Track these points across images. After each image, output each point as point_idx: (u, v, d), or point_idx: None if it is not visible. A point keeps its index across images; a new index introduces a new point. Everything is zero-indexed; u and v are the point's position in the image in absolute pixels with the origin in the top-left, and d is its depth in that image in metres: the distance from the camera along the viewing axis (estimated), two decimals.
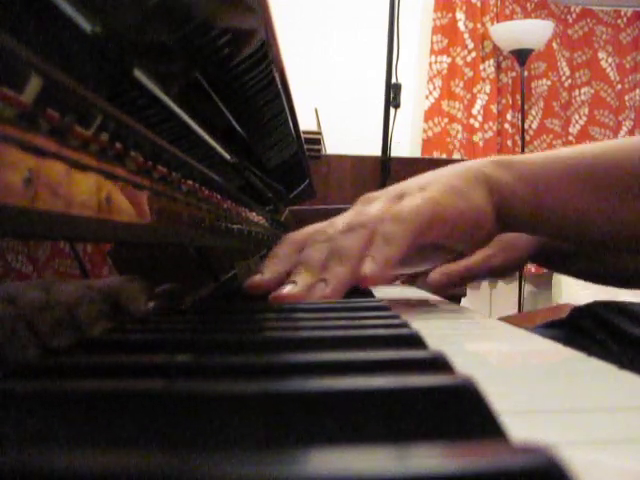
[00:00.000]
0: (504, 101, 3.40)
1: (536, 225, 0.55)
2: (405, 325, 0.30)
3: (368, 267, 0.44)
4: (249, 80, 0.53)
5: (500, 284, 3.22)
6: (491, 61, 3.36)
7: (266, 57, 0.50)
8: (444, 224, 0.49)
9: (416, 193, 0.50)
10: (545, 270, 2.76)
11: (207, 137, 0.53)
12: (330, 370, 0.20)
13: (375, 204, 0.50)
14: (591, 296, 0.80)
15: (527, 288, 3.26)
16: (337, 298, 0.44)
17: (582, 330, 0.70)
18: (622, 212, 0.51)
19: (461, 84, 3.30)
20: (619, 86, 3.53)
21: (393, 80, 2.05)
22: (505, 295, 3.16)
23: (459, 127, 3.28)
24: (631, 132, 3.53)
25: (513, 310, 2.98)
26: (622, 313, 0.67)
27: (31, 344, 0.24)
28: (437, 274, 0.72)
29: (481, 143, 3.30)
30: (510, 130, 3.38)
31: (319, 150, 2.10)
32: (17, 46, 0.23)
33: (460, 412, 0.15)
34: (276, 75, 0.55)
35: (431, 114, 3.27)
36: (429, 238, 0.50)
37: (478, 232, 0.53)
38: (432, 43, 3.30)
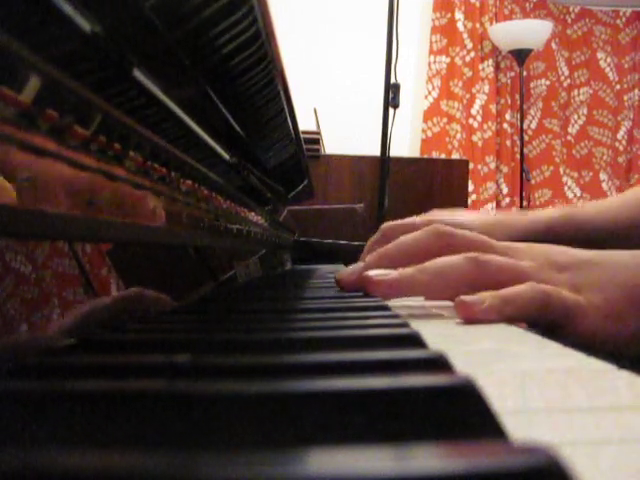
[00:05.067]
0: (503, 101, 3.40)
1: None
2: (405, 325, 0.30)
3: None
4: (248, 80, 0.53)
5: None
6: (490, 61, 3.37)
7: (265, 57, 0.50)
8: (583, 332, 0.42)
9: (568, 285, 0.43)
10: None
11: (206, 137, 0.53)
12: (330, 370, 0.20)
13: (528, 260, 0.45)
14: None
15: None
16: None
17: None
18: None
19: (460, 84, 3.30)
20: (618, 86, 3.53)
21: (392, 80, 2.06)
22: None
23: (458, 127, 3.28)
24: (630, 132, 3.53)
25: None
26: None
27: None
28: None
29: (480, 143, 3.31)
30: (509, 130, 3.39)
31: (318, 150, 2.11)
32: (17, 46, 0.23)
33: (460, 412, 0.15)
34: (275, 75, 0.55)
35: (430, 114, 3.27)
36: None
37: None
38: (431, 43, 3.30)
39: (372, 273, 0.46)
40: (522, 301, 0.41)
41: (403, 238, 0.50)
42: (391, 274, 0.45)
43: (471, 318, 0.39)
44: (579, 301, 0.42)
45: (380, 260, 0.49)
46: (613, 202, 0.70)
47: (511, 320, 0.40)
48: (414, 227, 0.54)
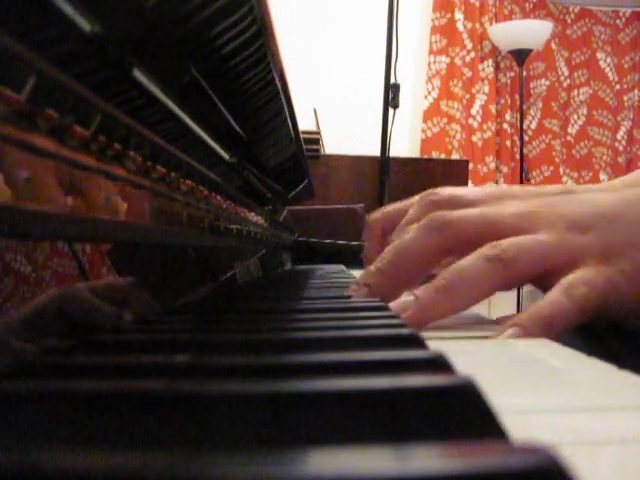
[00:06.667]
0: (503, 101, 3.40)
1: None
2: (405, 325, 0.30)
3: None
4: (248, 80, 0.53)
5: None
6: (490, 61, 3.37)
7: (265, 57, 0.50)
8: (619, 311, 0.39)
9: (594, 259, 0.38)
10: None
11: (206, 137, 0.53)
12: (330, 371, 0.20)
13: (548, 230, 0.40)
14: None
15: (526, 288, 3.26)
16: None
17: (579, 327, 0.69)
18: None
19: (460, 84, 3.30)
20: (618, 86, 3.53)
21: (392, 80, 2.06)
22: (504, 295, 3.16)
23: (458, 127, 3.28)
24: (630, 132, 3.53)
25: (512, 310, 2.98)
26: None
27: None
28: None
29: (480, 143, 3.31)
30: (509, 130, 3.39)
31: (318, 150, 2.11)
32: (17, 46, 0.23)
33: (460, 412, 0.15)
34: (275, 75, 0.55)
35: (430, 114, 3.27)
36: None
37: None
38: (431, 43, 3.30)
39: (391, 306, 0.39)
40: (566, 321, 0.37)
41: (400, 244, 0.43)
42: (408, 307, 0.39)
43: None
44: (612, 281, 0.38)
45: (383, 280, 0.43)
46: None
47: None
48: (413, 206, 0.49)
